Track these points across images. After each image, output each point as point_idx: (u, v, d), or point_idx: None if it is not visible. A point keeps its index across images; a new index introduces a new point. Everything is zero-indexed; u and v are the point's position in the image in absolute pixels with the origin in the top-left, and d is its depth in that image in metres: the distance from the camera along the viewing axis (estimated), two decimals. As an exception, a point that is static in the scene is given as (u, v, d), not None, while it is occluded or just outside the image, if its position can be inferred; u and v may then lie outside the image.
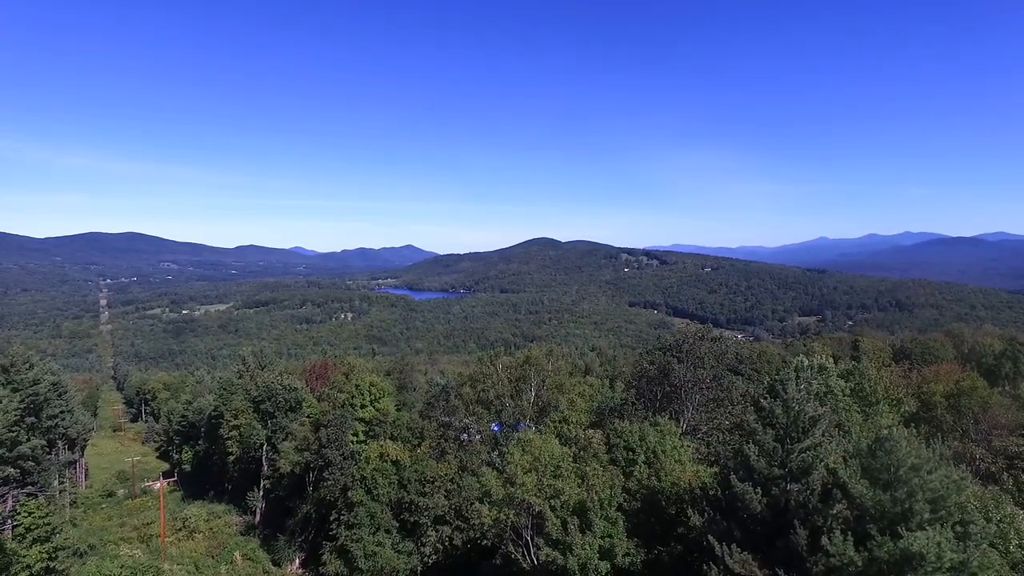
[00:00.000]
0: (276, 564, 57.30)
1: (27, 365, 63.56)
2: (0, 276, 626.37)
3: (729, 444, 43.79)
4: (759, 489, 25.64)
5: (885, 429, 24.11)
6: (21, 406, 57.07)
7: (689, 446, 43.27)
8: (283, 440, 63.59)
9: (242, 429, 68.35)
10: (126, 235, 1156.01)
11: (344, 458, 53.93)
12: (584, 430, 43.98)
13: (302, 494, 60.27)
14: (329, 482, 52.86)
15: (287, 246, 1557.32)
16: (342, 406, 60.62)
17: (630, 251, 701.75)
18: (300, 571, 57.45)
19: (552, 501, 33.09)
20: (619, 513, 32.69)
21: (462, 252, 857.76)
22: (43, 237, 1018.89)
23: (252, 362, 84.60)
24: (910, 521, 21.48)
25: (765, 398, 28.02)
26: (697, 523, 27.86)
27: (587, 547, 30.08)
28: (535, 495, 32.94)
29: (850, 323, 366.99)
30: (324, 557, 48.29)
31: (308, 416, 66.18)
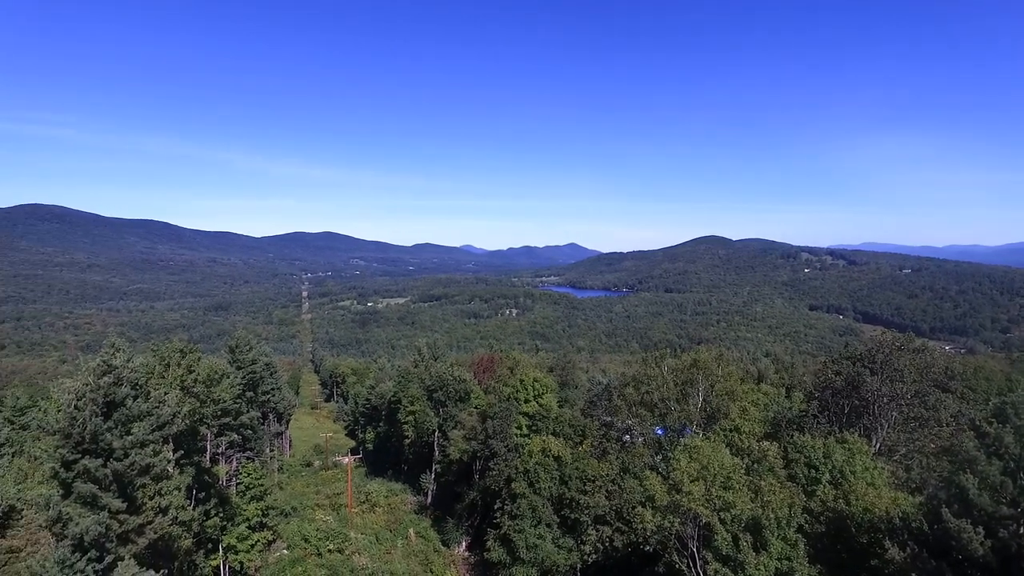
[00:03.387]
0: (445, 544, 60.88)
1: (248, 347, 74.27)
2: (229, 270, 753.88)
3: (937, 471, 38.35)
4: (981, 528, 21.87)
5: None
6: (243, 382, 66.81)
7: (884, 468, 38.43)
8: (453, 428, 67.30)
9: (417, 415, 73.29)
10: (324, 234, 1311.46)
11: (508, 450, 55.72)
12: (758, 441, 40.94)
13: (469, 481, 63.27)
14: (494, 472, 54.90)
15: (458, 244, 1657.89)
16: (507, 399, 62.60)
17: (811, 250, 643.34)
18: (466, 553, 60.41)
19: (722, 514, 31.16)
20: (799, 535, 29.90)
21: (626, 251, 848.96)
22: (259, 236, 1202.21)
23: (426, 353, 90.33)
24: None
25: (990, 422, 23.89)
26: (897, 557, 24.53)
27: (762, 567, 27.89)
28: (702, 505, 31.24)
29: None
30: (488, 543, 50.06)
31: (475, 407, 69.23)
